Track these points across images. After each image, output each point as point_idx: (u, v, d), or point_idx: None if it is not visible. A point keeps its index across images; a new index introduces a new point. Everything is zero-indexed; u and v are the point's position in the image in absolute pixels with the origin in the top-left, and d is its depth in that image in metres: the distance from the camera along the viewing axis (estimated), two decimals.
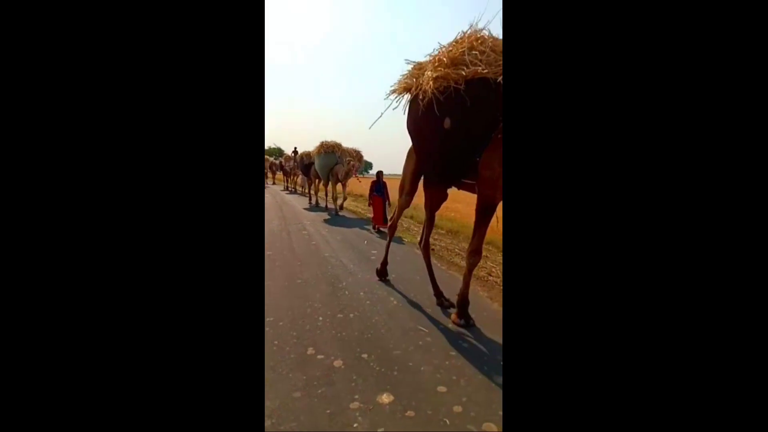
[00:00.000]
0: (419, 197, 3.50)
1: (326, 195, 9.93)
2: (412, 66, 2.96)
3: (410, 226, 7.46)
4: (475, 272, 4.10)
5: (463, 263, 3.54)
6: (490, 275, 3.99)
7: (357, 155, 9.29)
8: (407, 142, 3.24)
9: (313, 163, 9.90)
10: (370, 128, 3.35)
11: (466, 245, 5.44)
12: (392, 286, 3.55)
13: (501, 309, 3.04)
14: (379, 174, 7.00)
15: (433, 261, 3.80)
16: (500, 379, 2.01)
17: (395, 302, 3.13)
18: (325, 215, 8.78)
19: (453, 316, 2.78)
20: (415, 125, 2.97)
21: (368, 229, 6.78)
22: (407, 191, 3.40)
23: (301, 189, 15.04)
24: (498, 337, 2.54)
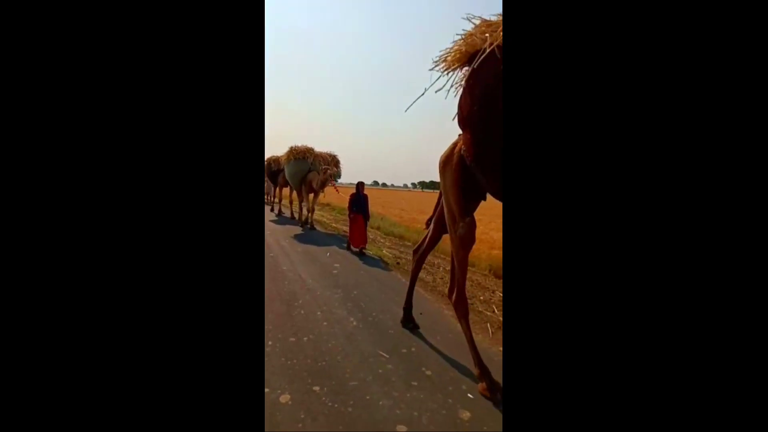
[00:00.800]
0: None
1: (300, 206, 8.71)
2: (477, 25, 1.97)
3: (376, 238, 7.27)
4: (438, 287, 3.96)
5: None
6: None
7: (333, 160, 8.25)
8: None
9: (282, 170, 8.97)
10: (406, 111, 2.33)
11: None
12: (354, 303, 3.31)
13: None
14: (360, 186, 6.00)
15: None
16: (465, 414, 1.83)
17: (355, 323, 2.90)
18: (296, 229, 7.87)
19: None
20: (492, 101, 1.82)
21: (344, 248, 5.94)
22: (461, 212, 2.25)
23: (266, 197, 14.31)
24: (464, 359, 2.38)
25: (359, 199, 5.87)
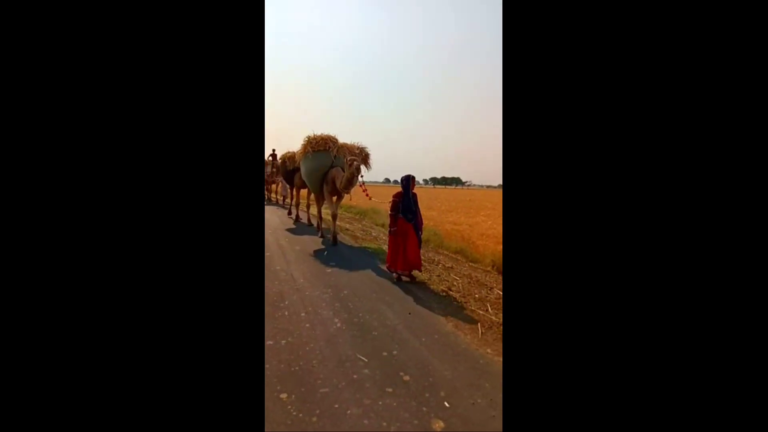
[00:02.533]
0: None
1: (319, 213, 6.86)
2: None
3: (379, 235, 7.14)
4: (433, 284, 3.82)
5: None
6: (450, 290, 3.69)
7: (361, 153, 6.16)
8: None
9: (298, 169, 6.89)
10: None
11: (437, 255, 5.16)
12: (343, 303, 3.20)
13: (455, 331, 2.74)
14: (409, 181, 4.11)
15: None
16: (439, 424, 1.69)
17: (339, 324, 2.78)
18: (316, 243, 5.97)
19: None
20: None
21: (387, 273, 4.18)
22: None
23: (280, 198, 13.09)
24: (447, 362, 2.24)
25: (408, 201, 4.05)
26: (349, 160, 5.42)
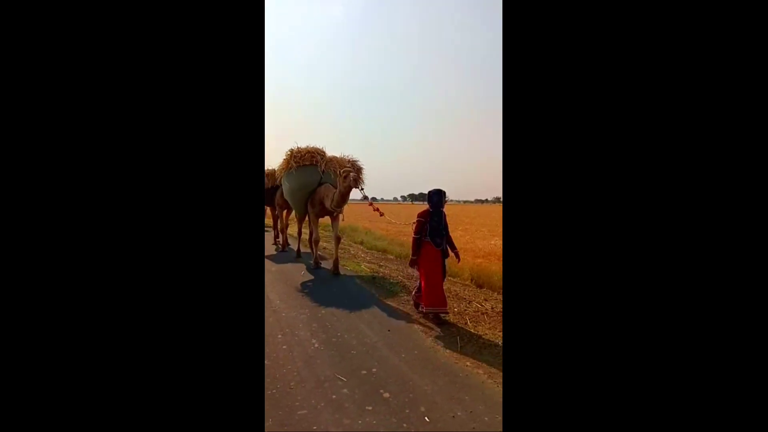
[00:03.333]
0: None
1: (299, 231, 6.37)
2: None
3: (357, 252, 7.11)
4: (413, 300, 3.82)
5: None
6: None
7: (353, 167, 5.12)
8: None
9: (278, 187, 6.29)
10: None
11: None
12: (320, 323, 3.15)
13: (434, 345, 2.74)
14: (441, 197, 3.36)
15: None
16: None
17: (317, 345, 2.73)
18: (292, 262, 5.71)
19: None
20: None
21: (366, 291, 4.11)
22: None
23: None
24: (427, 377, 2.22)
25: (438, 221, 3.30)
26: (343, 172, 4.57)
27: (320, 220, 5.63)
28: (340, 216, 5.40)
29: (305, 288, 4.34)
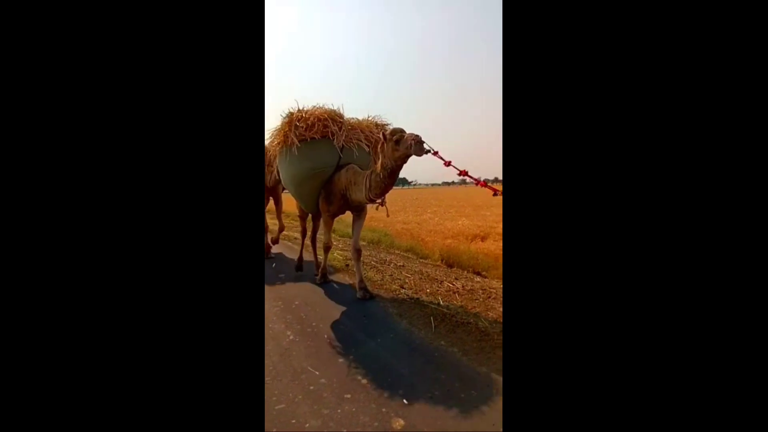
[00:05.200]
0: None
1: (312, 240, 4.52)
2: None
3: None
4: (386, 284, 3.85)
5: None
6: (402, 287, 3.73)
7: (383, 131, 2.92)
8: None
9: (271, 168, 4.39)
10: None
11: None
12: (295, 315, 3.11)
13: (409, 327, 2.78)
14: None
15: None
16: (398, 423, 1.70)
17: (291, 337, 2.70)
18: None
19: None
20: None
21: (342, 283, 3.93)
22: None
23: None
24: (404, 360, 2.26)
25: None
26: (393, 133, 2.72)
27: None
28: (373, 210, 3.58)
29: (277, 281, 4.26)
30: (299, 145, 3.25)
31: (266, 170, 4.63)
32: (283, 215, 5.85)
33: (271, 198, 5.64)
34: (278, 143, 3.47)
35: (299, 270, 4.51)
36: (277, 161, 3.70)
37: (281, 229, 5.25)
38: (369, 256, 5.42)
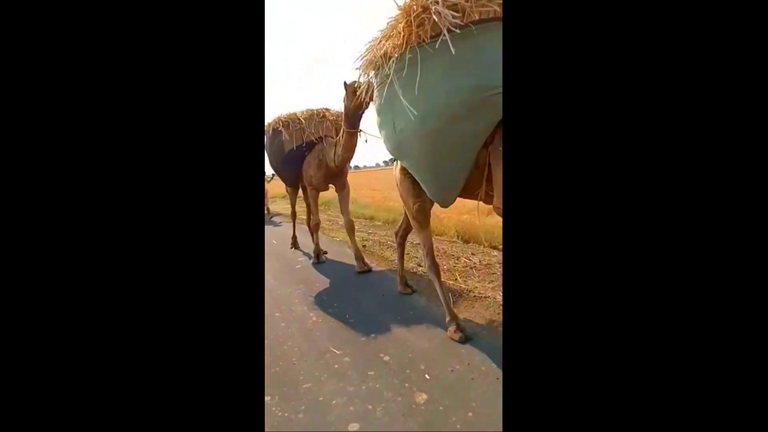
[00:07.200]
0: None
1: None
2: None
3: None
4: (406, 266, 3.89)
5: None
6: (419, 265, 3.77)
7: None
8: None
9: (308, 145, 3.84)
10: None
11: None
12: (317, 296, 3.20)
13: (428, 304, 2.82)
14: None
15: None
16: (421, 397, 1.76)
17: (314, 318, 2.79)
18: (281, 238, 5.29)
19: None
20: None
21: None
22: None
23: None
24: (424, 336, 2.31)
25: None
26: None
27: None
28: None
29: (297, 265, 4.36)
30: (458, 31, 1.52)
31: (328, 148, 3.63)
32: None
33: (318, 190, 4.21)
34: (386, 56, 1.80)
35: (294, 246, 5.04)
36: (380, 102, 1.99)
37: (350, 227, 3.91)
38: (385, 235, 5.47)
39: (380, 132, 2.11)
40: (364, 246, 4.90)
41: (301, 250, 5.04)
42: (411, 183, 2.27)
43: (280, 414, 1.75)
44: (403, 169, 2.31)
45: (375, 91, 2.01)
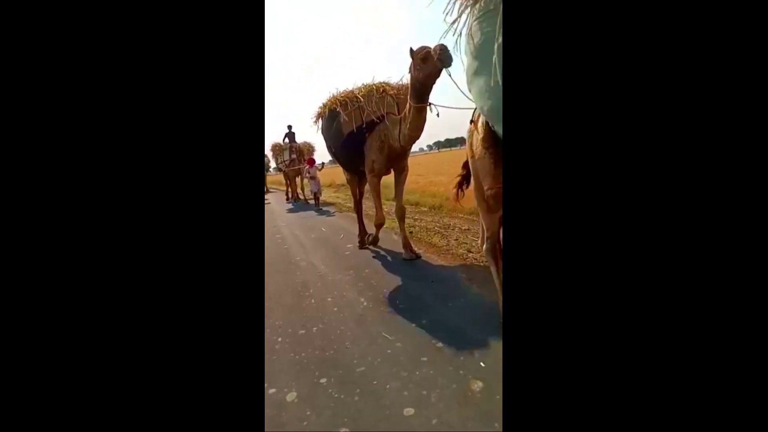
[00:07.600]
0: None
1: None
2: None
3: (390, 210, 7.12)
4: (452, 250, 3.82)
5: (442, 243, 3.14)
6: (470, 252, 3.67)
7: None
8: None
9: (369, 126, 3.45)
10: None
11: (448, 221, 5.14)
12: (366, 282, 3.24)
13: (479, 291, 2.74)
14: None
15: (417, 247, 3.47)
16: (477, 384, 1.72)
17: (365, 303, 2.82)
18: (330, 227, 5.65)
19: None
20: None
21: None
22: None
23: (308, 195, 9.24)
24: (477, 324, 2.25)
25: None
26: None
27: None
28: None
29: (346, 251, 4.44)
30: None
31: (392, 126, 3.32)
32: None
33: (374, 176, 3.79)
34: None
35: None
36: (479, 41, 1.54)
37: (402, 213, 3.73)
38: (432, 221, 5.40)
39: (472, 85, 1.63)
40: (410, 233, 4.87)
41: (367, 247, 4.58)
42: (493, 162, 1.90)
43: (336, 396, 1.80)
44: (487, 142, 1.89)
45: (473, 25, 1.54)
